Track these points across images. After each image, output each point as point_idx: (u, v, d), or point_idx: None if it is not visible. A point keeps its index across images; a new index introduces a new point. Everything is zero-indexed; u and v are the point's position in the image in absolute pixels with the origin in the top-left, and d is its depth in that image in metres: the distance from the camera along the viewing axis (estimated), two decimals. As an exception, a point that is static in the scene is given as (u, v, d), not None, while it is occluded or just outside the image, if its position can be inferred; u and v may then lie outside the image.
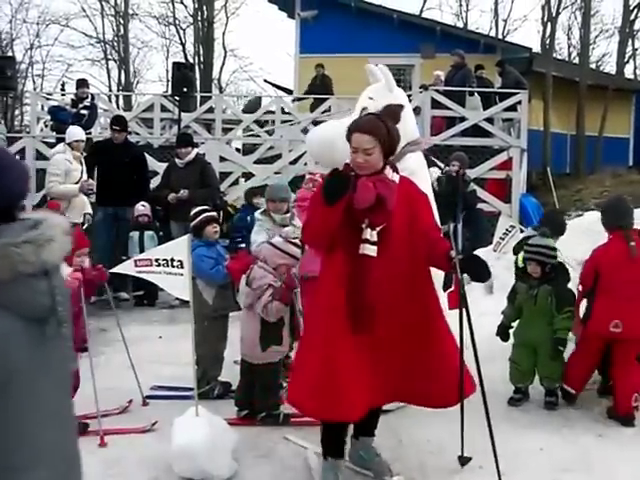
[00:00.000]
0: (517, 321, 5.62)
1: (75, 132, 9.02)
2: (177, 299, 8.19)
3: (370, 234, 3.83)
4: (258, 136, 15.60)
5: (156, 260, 4.17)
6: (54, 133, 13.32)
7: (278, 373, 5.08)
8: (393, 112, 4.08)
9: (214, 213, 5.85)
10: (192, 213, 5.74)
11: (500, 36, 31.31)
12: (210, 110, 16.64)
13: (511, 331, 5.62)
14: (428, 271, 4.00)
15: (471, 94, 14.39)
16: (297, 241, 5.01)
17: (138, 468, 4.35)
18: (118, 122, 9.48)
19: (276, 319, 4.91)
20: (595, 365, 5.46)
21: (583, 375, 5.47)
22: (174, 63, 14.11)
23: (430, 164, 7.61)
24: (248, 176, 12.19)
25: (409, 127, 5.31)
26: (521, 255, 6.55)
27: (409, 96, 14.66)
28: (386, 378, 3.90)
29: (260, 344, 4.95)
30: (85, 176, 8.90)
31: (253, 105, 18.71)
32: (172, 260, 4.07)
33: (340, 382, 3.73)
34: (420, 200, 4.00)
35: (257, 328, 4.95)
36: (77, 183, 8.69)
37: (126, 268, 4.48)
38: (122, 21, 34.87)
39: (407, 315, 3.91)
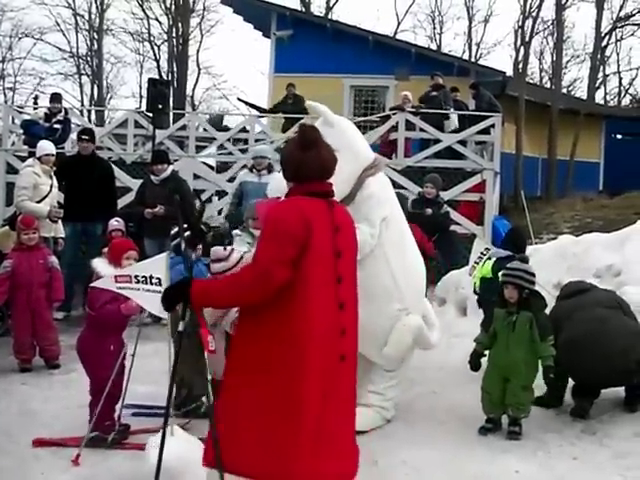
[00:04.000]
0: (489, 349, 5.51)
1: (45, 146, 8.91)
2: (149, 316, 8.11)
3: None
4: (231, 154, 15.56)
5: (135, 277, 4.13)
6: (26, 147, 13.20)
7: None
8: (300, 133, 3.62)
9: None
10: (174, 231, 5.69)
11: (473, 59, 31.73)
12: (183, 127, 16.60)
13: (483, 359, 5.53)
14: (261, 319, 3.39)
15: (447, 117, 14.53)
16: None
17: (111, 487, 4.29)
18: (87, 133, 9.48)
19: None
20: None
21: None
22: (150, 79, 14.05)
23: None
24: (221, 194, 12.15)
25: (361, 152, 5.32)
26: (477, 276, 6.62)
27: (385, 117, 14.88)
28: None
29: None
30: (55, 190, 8.79)
31: (215, 122, 18.66)
32: (151, 277, 4.02)
33: None
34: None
35: (222, 345, 4.91)
36: (45, 197, 8.58)
37: (106, 284, 4.41)
38: (96, 36, 34.79)
39: None
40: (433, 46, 33.98)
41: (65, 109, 13.79)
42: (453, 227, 10.94)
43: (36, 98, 25.09)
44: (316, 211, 3.42)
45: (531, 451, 4.97)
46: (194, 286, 3.41)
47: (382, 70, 18.60)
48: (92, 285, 4.72)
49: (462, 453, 4.90)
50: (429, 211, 9.48)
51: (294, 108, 15.81)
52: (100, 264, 4.87)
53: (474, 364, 5.49)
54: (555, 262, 7.65)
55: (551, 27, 28.46)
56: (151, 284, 4.05)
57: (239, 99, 25.72)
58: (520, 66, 25.35)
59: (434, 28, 37.01)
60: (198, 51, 34.49)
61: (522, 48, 25.80)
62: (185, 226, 5.87)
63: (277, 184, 4.85)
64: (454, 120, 14.61)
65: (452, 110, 14.80)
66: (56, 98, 13.38)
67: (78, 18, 34.85)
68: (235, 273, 3.48)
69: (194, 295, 3.39)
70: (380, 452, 4.88)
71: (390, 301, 5.21)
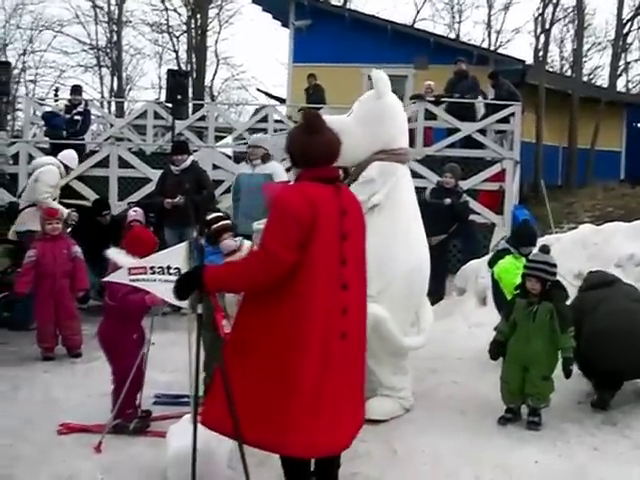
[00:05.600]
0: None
1: (74, 157, 9.00)
2: (170, 306, 8.14)
3: None
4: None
5: (151, 268, 4.14)
6: (47, 138, 13.29)
7: None
8: (303, 119, 3.78)
9: (229, 221, 5.75)
10: (207, 219, 5.67)
11: (493, 48, 31.50)
12: (202, 118, 16.63)
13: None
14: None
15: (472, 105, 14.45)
16: None
17: (132, 474, 4.34)
18: (105, 207, 9.40)
19: None
20: None
21: None
22: (169, 70, 14.13)
23: None
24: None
25: (384, 134, 5.35)
26: (499, 268, 6.60)
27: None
28: None
29: None
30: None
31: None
32: (168, 268, 4.04)
33: None
34: None
35: None
36: (56, 199, 8.62)
37: (120, 276, 4.41)
38: (115, 28, 34.88)
39: None
40: (452, 35, 33.79)
41: (85, 101, 13.89)
42: (472, 216, 10.88)
43: (57, 90, 25.24)
44: (322, 195, 3.54)
45: (550, 441, 4.96)
46: (206, 273, 3.57)
47: (401, 59, 18.47)
48: (106, 279, 4.69)
49: (481, 442, 4.89)
50: (448, 201, 9.44)
51: (314, 98, 15.83)
52: (117, 254, 4.85)
53: (494, 353, 5.47)
54: (576, 252, 7.59)
55: (572, 14, 28.25)
56: (169, 274, 4.06)
57: (258, 89, 25.78)
58: (540, 54, 25.18)
59: (453, 17, 36.82)
60: (217, 42, 34.58)
61: (542, 36, 25.64)
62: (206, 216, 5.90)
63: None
64: (480, 108, 14.55)
65: (479, 99, 14.72)
66: (76, 90, 13.51)
67: (97, 10, 34.98)
68: (244, 258, 3.67)
69: (207, 281, 3.55)
70: (399, 441, 4.91)
71: None
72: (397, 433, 5.04)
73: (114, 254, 4.79)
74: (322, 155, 3.64)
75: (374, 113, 5.32)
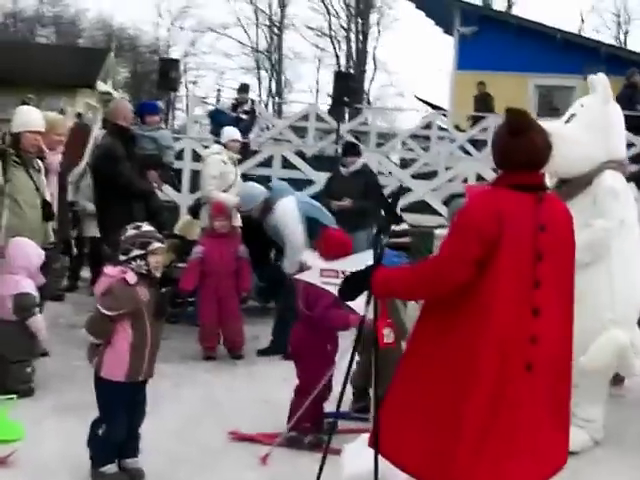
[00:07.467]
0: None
1: (231, 132, 8.58)
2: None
3: None
4: (412, 150, 15.34)
5: (342, 272, 3.92)
6: (212, 136, 13.50)
7: None
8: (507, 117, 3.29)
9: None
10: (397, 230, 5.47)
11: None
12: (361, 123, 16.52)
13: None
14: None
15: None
16: None
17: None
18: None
19: None
20: None
21: None
22: (336, 73, 14.18)
23: None
24: (404, 191, 11.90)
25: (613, 142, 5.03)
26: None
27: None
28: None
29: None
30: (239, 179, 8.63)
31: None
32: (357, 273, 3.82)
33: None
34: None
35: None
36: (231, 186, 8.42)
37: (311, 276, 4.29)
38: (277, 31, 35.66)
39: None
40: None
41: (252, 100, 14.05)
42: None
43: (219, 91, 26.08)
44: (516, 207, 3.11)
45: None
46: (377, 275, 3.31)
47: (569, 69, 17.79)
48: (297, 277, 4.59)
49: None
50: None
51: (482, 106, 15.46)
52: (312, 257, 4.73)
53: None
54: None
55: None
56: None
57: (417, 97, 25.47)
58: None
59: (619, 26, 35.16)
60: (375, 47, 34.63)
61: None
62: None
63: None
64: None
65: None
66: (244, 89, 13.66)
67: (259, 13, 35.88)
68: (418, 265, 3.36)
69: (375, 284, 3.30)
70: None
71: (602, 309, 4.74)
72: (587, 472, 4.55)
73: (309, 257, 4.66)
74: (524, 159, 3.18)
75: (602, 119, 4.98)
